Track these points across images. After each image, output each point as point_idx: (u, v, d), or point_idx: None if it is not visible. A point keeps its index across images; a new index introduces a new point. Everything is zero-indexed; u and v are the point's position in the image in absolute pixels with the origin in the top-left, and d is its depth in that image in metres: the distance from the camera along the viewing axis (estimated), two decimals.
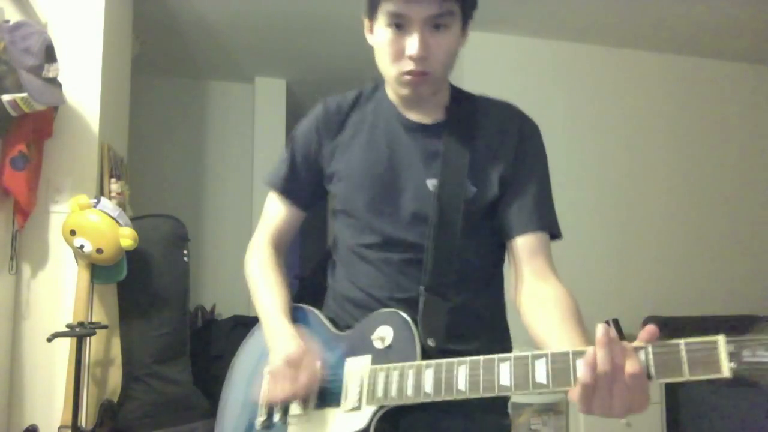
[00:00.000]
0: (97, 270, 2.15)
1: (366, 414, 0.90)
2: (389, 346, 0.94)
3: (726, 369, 0.66)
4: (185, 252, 2.54)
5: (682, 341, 0.69)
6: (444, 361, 0.85)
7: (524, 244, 1.02)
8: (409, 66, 0.97)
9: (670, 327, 3.20)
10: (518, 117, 1.09)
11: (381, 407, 0.90)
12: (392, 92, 1.09)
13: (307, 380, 0.94)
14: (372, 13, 1.00)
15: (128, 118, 3.03)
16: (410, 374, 0.87)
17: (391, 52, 0.98)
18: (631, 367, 0.70)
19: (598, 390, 0.71)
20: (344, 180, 1.09)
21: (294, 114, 5.21)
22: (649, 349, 0.71)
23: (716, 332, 0.69)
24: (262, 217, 1.20)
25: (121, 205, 2.40)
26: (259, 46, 4.01)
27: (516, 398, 1.35)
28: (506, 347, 1.09)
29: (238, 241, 4.57)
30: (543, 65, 3.81)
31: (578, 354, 0.74)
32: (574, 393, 0.73)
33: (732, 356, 0.66)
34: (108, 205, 2.13)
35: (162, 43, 3.88)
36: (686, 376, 0.68)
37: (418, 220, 1.02)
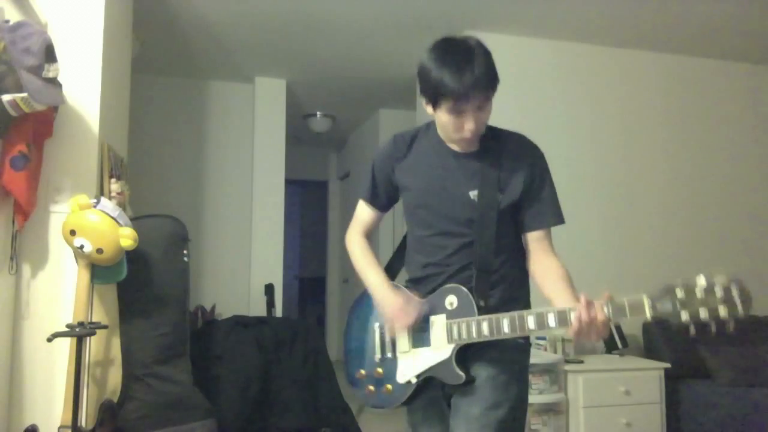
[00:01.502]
0: (97, 270, 2.15)
1: (449, 349, 1.49)
2: (456, 308, 1.50)
3: (648, 314, 1.31)
4: (185, 252, 2.54)
5: (625, 299, 1.34)
6: (499, 315, 1.44)
7: (535, 236, 1.57)
8: (467, 135, 1.48)
9: (671, 325, 3.20)
10: (530, 147, 1.60)
11: (456, 345, 1.48)
12: (442, 135, 1.58)
13: (417, 313, 1.52)
14: (435, 104, 1.47)
15: (128, 118, 3.03)
16: (483, 323, 1.45)
17: (453, 128, 1.48)
18: (601, 316, 1.34)
19: (582, 330, 1.34)
20: (412, 191, 1.62)
21: (294, 114, 5.21)
22: (610, 304, 1.34)
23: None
24: (355, 217, 1.75)
25: (121, 205, 2.40)
26: (259, 46, 4.01)
27: None
28: (525, 295, 1.62)
29: (238, 241, 4.64)
30: (543, 65, 3.81)
31: (572, 310, 1.35)
32: (570, 331, 1.35)
33: (651, 307, 1.30)
34: (108, 205, 2.13)
35: (162, 43, 3.88)
36: (628, 316, 1.33)
37: (465, 219, 1.54)
